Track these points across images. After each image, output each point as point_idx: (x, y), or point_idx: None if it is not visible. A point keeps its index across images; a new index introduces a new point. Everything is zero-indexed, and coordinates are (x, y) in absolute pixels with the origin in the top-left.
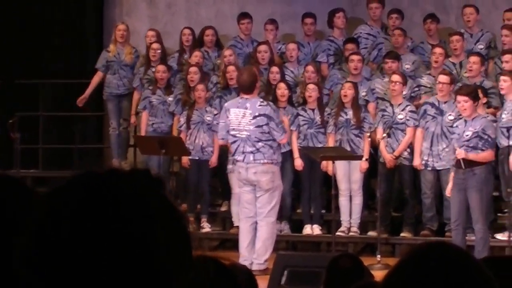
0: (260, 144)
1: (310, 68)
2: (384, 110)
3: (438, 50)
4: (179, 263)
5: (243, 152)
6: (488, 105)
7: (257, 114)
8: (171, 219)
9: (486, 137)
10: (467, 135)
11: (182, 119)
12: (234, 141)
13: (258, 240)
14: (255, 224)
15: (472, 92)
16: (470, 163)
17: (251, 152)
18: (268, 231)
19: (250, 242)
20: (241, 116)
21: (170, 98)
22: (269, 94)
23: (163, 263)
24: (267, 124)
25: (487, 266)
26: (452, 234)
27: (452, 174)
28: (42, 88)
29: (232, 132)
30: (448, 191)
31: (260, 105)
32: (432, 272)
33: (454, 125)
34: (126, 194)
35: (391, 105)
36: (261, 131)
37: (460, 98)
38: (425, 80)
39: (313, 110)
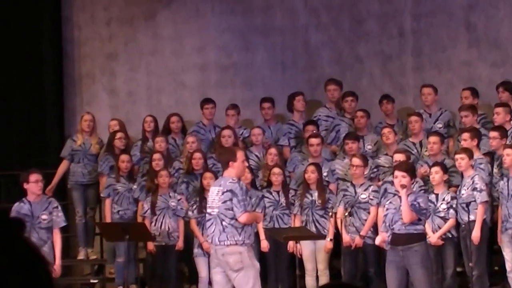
0: (224, 223)
1: (273, 151)
2: (345, 190)
3: (386, 130)
4: None
5: (210, 233)
6: (449, 184)
7: (225, 190)
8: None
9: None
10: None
11: (146, 205)
12: (209, 219)
13: None
14: None
15: (410, 169)
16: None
17: (218, 232)
18: None
19: None
20: (215, 193)
21: (135, 186)
22: None
23: None
24: (230, 200)
25: None
26: None
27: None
28: (2, 178)
29: (208, 210)
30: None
31: (230, 182)
32: None
33: (388, 202)
34: None
35: (353, 185)
36: (225, 207)
37: (398, 173)
38: (382, 160)
39: (277, 192)
